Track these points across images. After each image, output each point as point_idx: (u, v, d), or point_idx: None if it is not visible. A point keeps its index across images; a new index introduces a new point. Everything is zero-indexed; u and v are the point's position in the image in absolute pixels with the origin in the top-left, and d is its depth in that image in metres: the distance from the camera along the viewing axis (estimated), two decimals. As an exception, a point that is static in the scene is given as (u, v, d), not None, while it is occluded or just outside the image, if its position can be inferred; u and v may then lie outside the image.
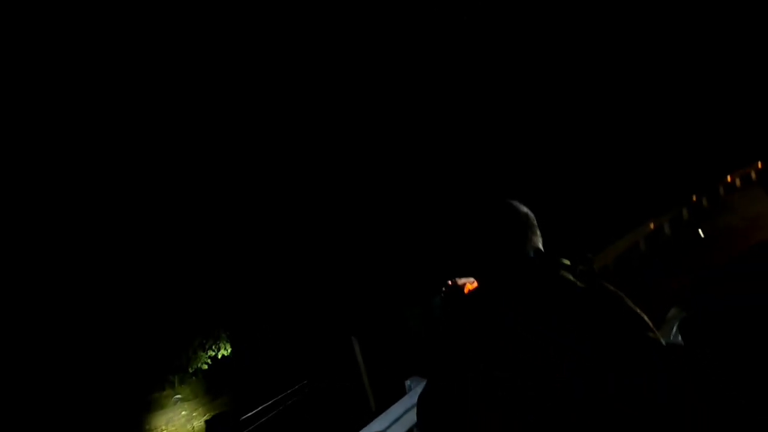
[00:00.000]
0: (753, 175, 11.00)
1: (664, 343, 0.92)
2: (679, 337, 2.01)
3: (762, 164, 10.89)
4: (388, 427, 3.26)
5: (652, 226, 8.39)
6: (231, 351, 11.36)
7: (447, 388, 1.03)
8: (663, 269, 6.59)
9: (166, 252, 12.43)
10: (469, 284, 1.23)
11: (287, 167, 14.24)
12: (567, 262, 1.06)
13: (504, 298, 1.04)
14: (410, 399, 2.99)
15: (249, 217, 13.62)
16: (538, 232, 1.13)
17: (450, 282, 1.21)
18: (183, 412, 11.38)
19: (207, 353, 11.23)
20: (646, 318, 0.94)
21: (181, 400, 11.71)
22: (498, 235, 1.07)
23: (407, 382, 3.77)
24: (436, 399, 1.07)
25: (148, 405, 11.65)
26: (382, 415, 3.68)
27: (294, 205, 14.04)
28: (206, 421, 8.49)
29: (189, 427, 10.69)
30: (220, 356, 11.23)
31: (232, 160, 13.99)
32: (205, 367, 11.24)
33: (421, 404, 1.13)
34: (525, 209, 1.13)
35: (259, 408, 7.63)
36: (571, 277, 1.00)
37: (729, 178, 10.84)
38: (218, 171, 13.70)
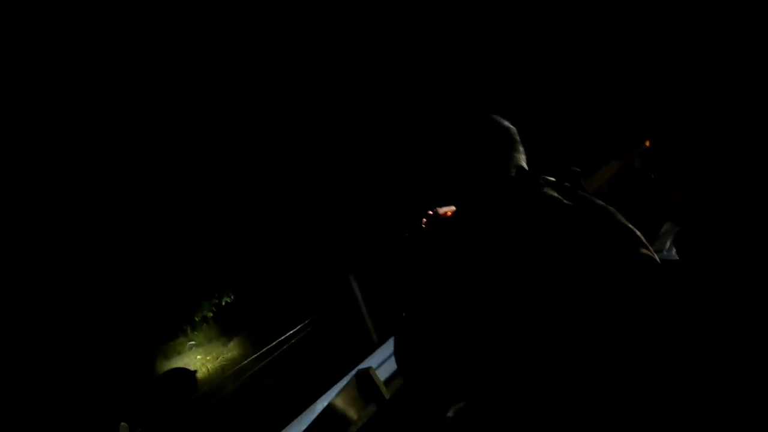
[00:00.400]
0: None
1: (658, 259, 0.85)
2: (674, 251, 1.98)
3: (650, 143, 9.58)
4: (386, 359, 3.38)
5: (647, 143, 8.23)
6: (234, 298, 11.71)
7: (425, 321, 0.97)
8: (658, 186, 6.55)
9: (160, 206, 12.43)
10: (450, 212, 1.17)
11: (276, 116, 13.93)
12: (551, 178, 0.99)
13: (482, 222, 0.97)
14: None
15: (238, 161, 13.48)
16: (521, 149, 1.04)
17: (431, 212, 1.12)
18: (198, 356, 11.98)
19: (211, 302, 11.58)
20: (638, 233, 0.86)
21: (195, 345, 12.26)
22: (475, 153, 0.99)
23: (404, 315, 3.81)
24: (413, 334, 1.00)
25: (165, 352, 12.27)
26: (381, 348, 3.81)
27: (283, 150, 13.83)
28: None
29: (204, 369, 11.33)
30: (224, 303, 11.59)
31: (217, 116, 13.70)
32: (210, 315, 11.65)
33: (399, 342, 1.08)
34: (506, 124, 1.04)
35: (263, 349, 8.03)
36: (555, 194, 0.92)
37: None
38: (206, 132, 13.47)
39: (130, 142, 12.67)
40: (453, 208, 1.10)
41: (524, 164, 1.02)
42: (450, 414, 1.27)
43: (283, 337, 8.49)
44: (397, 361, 1.08)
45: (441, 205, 1.12)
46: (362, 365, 2.82)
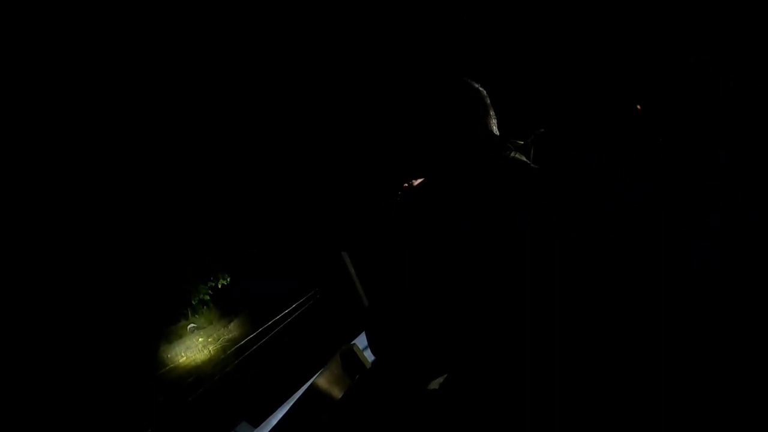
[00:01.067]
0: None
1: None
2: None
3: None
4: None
5: (639, 108, 8.14)
6: (230, 280, 11.76)
7: (400, 281, 0.93)
8: (657, 185, 6.52)
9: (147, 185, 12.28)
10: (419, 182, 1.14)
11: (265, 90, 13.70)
12: (520, 142, 0.97)
13: (450, 192, 0.93)
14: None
15: (226, 141, 13.32)
16: (492, 112, 1.00)
17: (406, 184, 1.09)
18: (200, 339, 12.13)
19: (207, 285, 11.62)
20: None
21: (196, 328, 12.37)
22: (444, 120, 0.96)
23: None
24: (389, 298, 0.97)
25: (167, 336, 12.41)
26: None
27: (271, 129, 13.66)
28: None
29: (206, 351, 11.52)
30: (219, 285, 11.64)
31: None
32: (207, 297, 11.72)
33: (373, 314, 1.06)
34: (476, 86, 1.00)
35: (260, 329, 8.12)
36: (523, 158, 0.91)
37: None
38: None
39: (121, 131, 12.47)
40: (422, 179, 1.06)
41: (495, 128, 0.98)
42: (433, 386, 1.26)
43: (279, 316, 8.58)
44: (369, 328, 1.05)
45: (417, 178, 1.08)
46: (355, 342, 2.81)
